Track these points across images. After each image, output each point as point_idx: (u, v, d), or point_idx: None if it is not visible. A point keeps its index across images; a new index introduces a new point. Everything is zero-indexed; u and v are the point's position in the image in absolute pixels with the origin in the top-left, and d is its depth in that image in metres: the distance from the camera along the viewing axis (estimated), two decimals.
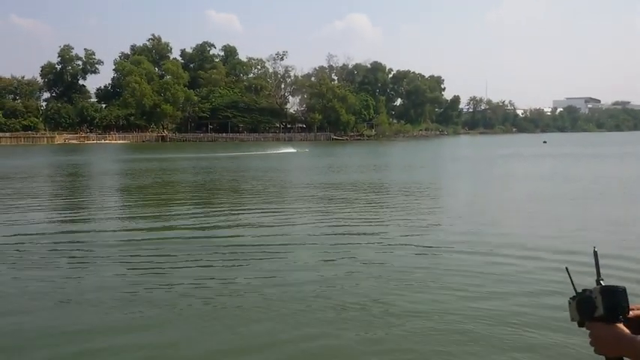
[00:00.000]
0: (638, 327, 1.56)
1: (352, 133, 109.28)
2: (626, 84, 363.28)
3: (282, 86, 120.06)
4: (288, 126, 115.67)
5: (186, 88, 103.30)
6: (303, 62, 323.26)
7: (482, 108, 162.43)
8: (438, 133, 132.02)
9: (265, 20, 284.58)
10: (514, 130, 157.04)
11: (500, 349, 6.12)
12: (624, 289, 1.58)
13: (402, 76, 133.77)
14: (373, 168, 36.66)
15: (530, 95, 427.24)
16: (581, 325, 1.64)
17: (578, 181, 25.69)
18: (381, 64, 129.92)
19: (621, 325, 1.55)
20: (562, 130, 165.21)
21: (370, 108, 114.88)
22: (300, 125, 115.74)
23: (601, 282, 1.62)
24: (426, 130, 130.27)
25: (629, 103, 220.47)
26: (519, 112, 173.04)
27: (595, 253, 1.70)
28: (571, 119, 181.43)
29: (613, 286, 1.58)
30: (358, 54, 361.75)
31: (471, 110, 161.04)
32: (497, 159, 45.53)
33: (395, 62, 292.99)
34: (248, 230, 13.64)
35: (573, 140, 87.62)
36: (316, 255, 10.75)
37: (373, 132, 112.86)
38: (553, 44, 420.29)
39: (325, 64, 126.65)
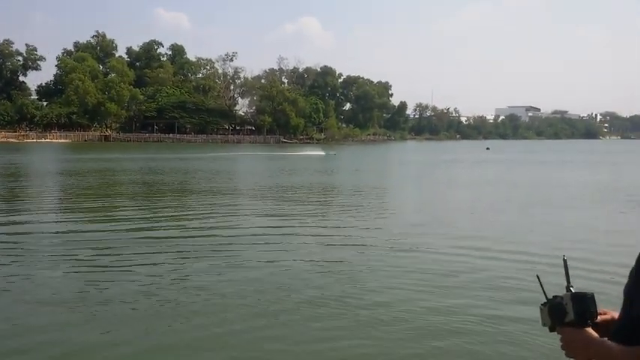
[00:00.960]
0: (606, 331, 1.64)
1: (302, 137, 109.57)
2: (565, 93, 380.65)
3: (232, 87, 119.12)
4: (237, 128, 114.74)
5: (131, 86, 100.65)
6: (253, 64, 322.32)
7: (428, 114, 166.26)
8: (385, 138, 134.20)
9: (215, 20, 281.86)
10: (458, 136, 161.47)
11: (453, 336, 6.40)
12: (592, 295, 1.66)
13: (352, 81, 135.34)
14: (331, 171, 36.94)
15: (473, 103, 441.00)
16: (552, 329, 1.72)
17: (521, 187, 26.77)
18: (331, 68, 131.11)
19: (590, 330, 1.63)
20: (504, 137, 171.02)
21: (320, 112, 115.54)
22: (250, 127, 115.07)
23: (571, 289, 1.70)
24: (374, 134, 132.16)
25: (567, 112, 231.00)
26: (463, 119, 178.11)
27: (564, 262, 1.77)
28: (512, 127, 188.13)
29: (582, 293, 1.66)
30: (309, 57, 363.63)
31: (417, 116, 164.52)
32: (443, 164, 46.75)
33: (345, 67, 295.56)
34: (199, 230, 13.54)
35: (515, 147, 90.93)
36: (270, 252, 10.86)
37: (322, 136, 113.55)
38: (496, 54, 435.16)
39: (276, 67, 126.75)
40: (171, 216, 16.27)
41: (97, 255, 10.50)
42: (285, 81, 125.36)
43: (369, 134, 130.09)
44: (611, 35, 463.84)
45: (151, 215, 16.27)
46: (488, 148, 74.54)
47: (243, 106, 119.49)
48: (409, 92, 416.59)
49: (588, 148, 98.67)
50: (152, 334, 6.49)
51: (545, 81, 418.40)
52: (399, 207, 19.39)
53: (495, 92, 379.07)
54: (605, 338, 1.60)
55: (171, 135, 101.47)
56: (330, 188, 25.33)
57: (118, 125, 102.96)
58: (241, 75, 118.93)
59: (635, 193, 23.67)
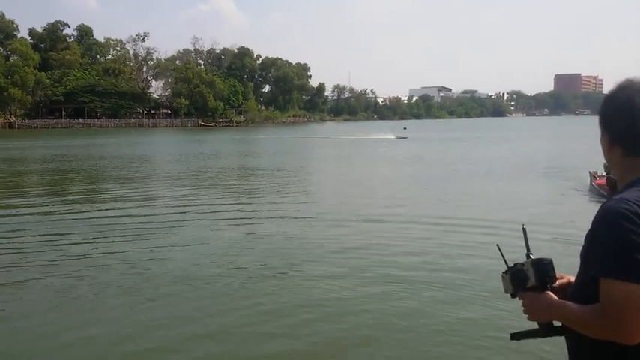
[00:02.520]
0: (564, 293, 1.75)
1: (221, 120, 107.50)
2: (474, 74, 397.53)
3: (145, 69, 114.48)
4: (152, 111, 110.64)
5: (36, 70, 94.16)
6: (166, 45, 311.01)
7: (346, 96, 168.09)
8: (305, 119, 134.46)
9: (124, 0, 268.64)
10: (375, 117, 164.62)
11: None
12: (551, 260, 1.76)
13: (270, 62, 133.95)
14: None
15: (389, 84, 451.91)
16: (514, 295, 1.82)
17: (445, 163, 27.81)
18: (248, 49, 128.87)
19: (550, 293, 1.73)
20: (418, 117, 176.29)
21: (239, 94, 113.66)
22: (165, 111, 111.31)
23: (531, 255, 1.79)
24: (294, 116, 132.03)
25: (476, 91, 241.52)
26: (380, 100, 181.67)
27: (524, 230, 1.87)
28: (426, 107, 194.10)
29: (541, 258, 1.75)
30: (225, 39, 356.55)
31: (335, 98, 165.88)
32: (366, 143, 47.59)
33: (263, 49, 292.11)
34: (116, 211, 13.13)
35: (429, 126, 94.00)
36: (200, 234, 10.94)
37: (242, 118, 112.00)
38: (410, 37, 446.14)
39: (191, 48, 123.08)
40: (86, 201, 15.60)
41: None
42: (202, 62, 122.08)
43: (289, 116, 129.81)
44: (513, 19, 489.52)
45: (61, 201, 15.49)
46: (405, 128, 76.52)
47: (157, 89, 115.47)
48: (327, 74, 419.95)
49: (498, 125, 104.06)
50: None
51: (455, 62, 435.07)
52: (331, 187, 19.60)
53: (409, 74, 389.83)
54: (565, 301, 1.68)
55: (81, 120, 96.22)
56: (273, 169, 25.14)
57: (22, 111, 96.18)
58: (154, 56, 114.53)
59: (549, 165, 25.33)
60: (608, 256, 1.52)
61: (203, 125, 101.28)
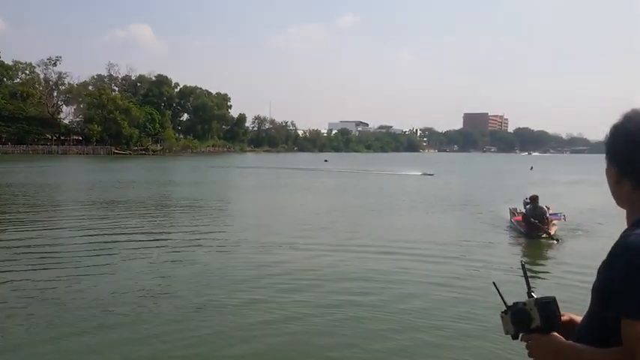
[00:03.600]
0: (567, 333, 1.64)
1: (136, 148, 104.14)
2: (389, 109, 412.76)
3: (55, 94, 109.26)
4: (62, 138, 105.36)
5: None
6: (80, 70, 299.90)
7: (267, 127, 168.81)
8: (225, 149, 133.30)
9: (36, 21, 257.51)
10: (295, 148, 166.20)
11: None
12: (555, 299, 1.67)
13: (189, 91, 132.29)
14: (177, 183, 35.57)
15: (308, 117, 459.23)
16: (515, 337, 1.71)
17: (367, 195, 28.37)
18: (166, 77, 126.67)
19: (557, 334, 1.62)
20: (337, 150, 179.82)
21: (156, 122, 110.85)
22: (77, 137, 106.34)
23: (532, 294, 1.70)
24: (213, 146, 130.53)
25: (391, 127, 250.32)
26: (300, 132, 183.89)
27: (523, 267, 1.80)
28: (344, 140, 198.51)
29: (546, 297, 1.67)
30: (142, 66, 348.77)
31: (256, 129, 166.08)
32: (285, 173, 47.78)
33: (181, 77, 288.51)
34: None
35: (349, 160, 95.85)
36: (117, 260, 10.67)
37: (159, 147, 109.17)
38: (329, 72, 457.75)
39: (105, 74, 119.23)
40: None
41: None
42: (116, 89, 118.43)
43: (208, 146, 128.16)
44: (422, 58, 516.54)
45: None
46: (326, 160, 77.72)
47: (68, 115, 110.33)
48: (248, 104, 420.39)
49: (414, 158, 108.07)
50: None
51: (372, 98, 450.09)
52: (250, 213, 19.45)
53: (329, 108, 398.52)
54: (577, 343, 1.57)
55: None
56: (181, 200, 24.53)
57: None
58: (66, 81, 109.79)
59: (469, 199, 26.49)
60: (634, 296, 1.39)
61: (117, 153, 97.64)
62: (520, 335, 1.69)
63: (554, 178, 48.17)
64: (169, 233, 14.95)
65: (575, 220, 17.72)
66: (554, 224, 15.34)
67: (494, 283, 1.89)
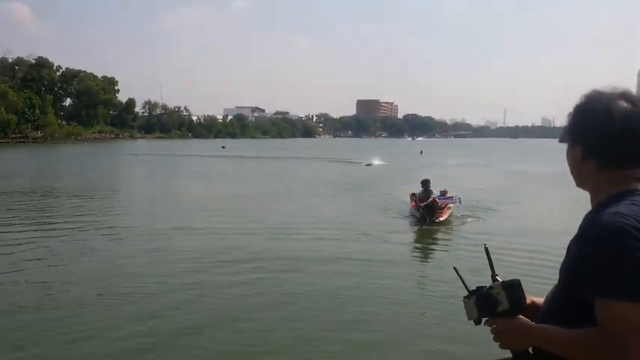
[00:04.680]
0: (531, 315, 1.63)
1: (14, 135, 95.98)
2: (285, 95, 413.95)
3: None
4: None
5: None
6: None
7: (159, 112, 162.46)
8: (113, 136, 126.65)
9: None
10: (189, 135, 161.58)
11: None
12: (519, 281, 1.63)
13: (72, 75, 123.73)
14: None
15: (203, 103, 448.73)
16: (478, 322, 1.67)
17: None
18: (47, 60, 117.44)
19: (523, 317, 1.60)
20: (233, 136, 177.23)
21: (36, 107, 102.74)
22: None
23: (497, 277, 1.65)
24: (100, 132, 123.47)
25: (288, 113, 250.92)
26: (194, 118, 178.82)
27: (486, 250, 1.74)
28: (240, 126, 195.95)
29: (512, 280, 1.62)
30: (20, 47, 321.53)
31: (146, 114, 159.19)
32: (180, 159, 46.47)
33: (65, 61, 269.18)
34: None
35: (248, 146, 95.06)
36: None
37: (40, 134, 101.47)
38: (222, 54, 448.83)
39: None
40: None
41: None
42: None
43: (94, 132, 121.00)
44: (316, 45, 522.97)
45: None
46: (223, 147, 76.44)
47: None
48: (137, 89, 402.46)
49: (312, 144, 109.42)
50: None
51: (267, 84, 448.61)
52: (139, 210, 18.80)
53: (223, 93, 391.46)
54: (546, 325, 1.56)
55: None
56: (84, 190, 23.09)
57: None
58: None
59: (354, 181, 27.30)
60: (610, 275, 1.38)
61: None
62: (483, 320, 1.65)
63: (443, 161, 50.99)
64: (58, 224, 14.10)
65: (470, 202, 18.40)
66: (449, 207, 15.58)
67: (454, 268, 1.86)
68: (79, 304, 7.59)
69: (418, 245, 13.06)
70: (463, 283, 1.74)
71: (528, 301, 1.67)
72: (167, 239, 12.11)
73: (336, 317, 7.24)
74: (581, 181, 1.66)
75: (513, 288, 1.60)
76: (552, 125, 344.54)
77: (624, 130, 1.51)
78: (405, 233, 14.51)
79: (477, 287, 1.66)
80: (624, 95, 1.56)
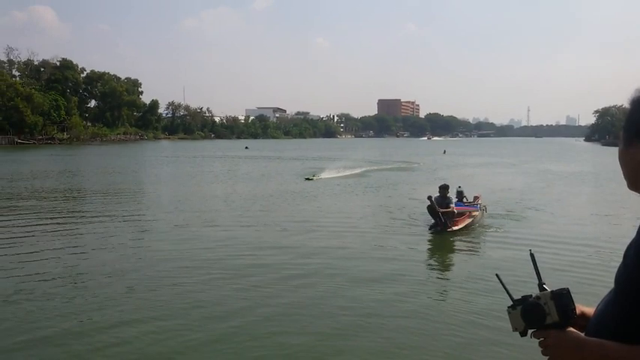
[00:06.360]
0: (580, 326, 1.49)
1: (41, 137, 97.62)
2: (306, 96, 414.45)
3: None
4: None
5: None
6: None
7: (182, 114, 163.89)
8: (138, 137, 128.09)
9: None
10: (212, 135, 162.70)
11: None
12: (569, 290, 1.51)
13: (97, 77, 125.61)
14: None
15: (225, 104, 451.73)
16: (524, 334, 1.55)
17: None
18: (71, 62, 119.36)
19: (574, 330, 1.47)
20: (255, 136, 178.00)
21: (61, 109, 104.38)
22: None
23: (544, 286, 1.53)
24: (125, 134, 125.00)
25: (309, 113, 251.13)
26: (217, 119, 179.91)
27: (532, 256, 1.61)
28: (262, 127, 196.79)
29: (561, 289, 1.50)
30: (45, 50, 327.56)
31: (170, 115, 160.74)
32: (205, 160, 46.61)
33: (88, 62, 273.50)
34: None
35: (270, 146, 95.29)
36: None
37: (66, 135, 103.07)
38: (245, 57, 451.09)
39: (4, 58, 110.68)
40: None
41: None
42: (17, 74, 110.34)
43: (119, 133, 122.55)
44: (338, 45, 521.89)
45: None
46: (247, 147, 76.65)
47: None
48: (160, 90, 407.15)
49: (336, 145, 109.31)
50: None
51: (288, 85, 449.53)
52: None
53: (245, 94, 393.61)
54: (603, 340, 1.39)
55: None
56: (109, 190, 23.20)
57: None
58: None
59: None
60: None
61: (21, 143, 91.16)
62: (530, 332, 1.53)
63: (467, 160, 50.29)
64: (90, 223, 14.11)
65: (499, 204, 17.49)
66: (471, 214, 13.97)
67: (497, 275, 1.71)
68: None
69: (433, 252, 11.88)
70: (507, 291, 1.63)
71: (578, 311, 1.53)
72: (196, 233, 12.35)
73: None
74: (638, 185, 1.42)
75: (563, 298, 1.48)
76: (577, 124, 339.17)
77: None
78: (419, 236, 13.26)
79: (523, 297, 1.55)
80: None
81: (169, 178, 30.79)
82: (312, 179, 27.86)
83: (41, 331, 6.47)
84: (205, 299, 7.77)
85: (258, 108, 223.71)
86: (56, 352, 5.96)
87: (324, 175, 30.22)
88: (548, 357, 1.48)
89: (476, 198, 15.70)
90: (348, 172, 32.29)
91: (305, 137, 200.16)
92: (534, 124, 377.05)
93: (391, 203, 19.00)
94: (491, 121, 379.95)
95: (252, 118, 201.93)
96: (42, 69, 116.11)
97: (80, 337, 6.34)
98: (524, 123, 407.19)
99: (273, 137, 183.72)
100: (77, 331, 6.53)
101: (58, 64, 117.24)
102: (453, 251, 11.80)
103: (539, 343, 1.50)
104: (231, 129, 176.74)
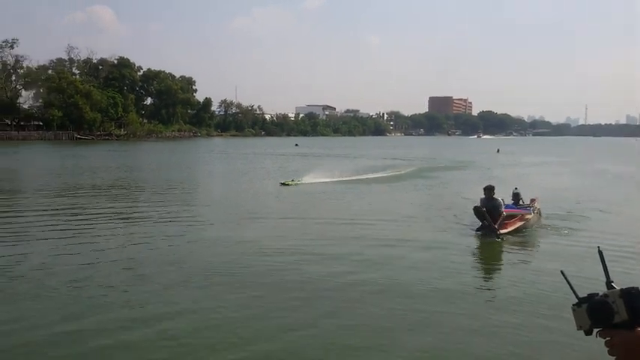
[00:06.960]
0: None
1: (99, 133, 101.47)
2: (356, 93, 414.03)
3: (14, 78, 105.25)
4: (22, 123, 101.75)
5: None
6: (38, 54, 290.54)
7: (234, 111, 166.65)
8: (191, 134, 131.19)
9: None
10: (263, 133, 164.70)
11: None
12: (638, 289, 1.45)
13: (153, 75, 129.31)
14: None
15: (275, 101, 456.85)
16: (589, 333, 1.50)
17: None
18: (128, 60, 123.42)
19: None
20: (305, 134, 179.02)
21: (118, 106, 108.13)
22: (37, 123, 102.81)
23: (613, 285, 1.49)
24: (179, 131, 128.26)
25: (358, 111, 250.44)
26: (267, 116, 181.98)
27: (600, 253, 1.58)
28: (312, 124, 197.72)
29: (631, 288, 1.45)
30: (103, 49, 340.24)
31: (222, 113, 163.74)
32: (257, 157, 47.29)
33: (144, 61, 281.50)
34: None
35: (320, 144, 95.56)
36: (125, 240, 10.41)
37: (123, 132, 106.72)
38: (295, 55, 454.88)
39: (65, 57, 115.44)
40: None
41: None
42: (77, 72, 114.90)
43: (173, 130, 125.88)
44: (388, 42, 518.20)
45: None
46: (297, 145, 77.33)
47: (28, 99, 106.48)
48: (213, 89, 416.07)
49: (389, 142, 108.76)
50: None
51: (338, 82, 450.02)
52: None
53: (295, 92, 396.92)
54: None
55: None
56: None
57: None
58: (24, 64, 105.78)
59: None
60: None
61: (80, 138, 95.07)
62: (596, 331, 1.49)
63: (521, 159, 49.01)
64: (149, 213, 14.62)
65: (556, 207, 16.47)
66: (524, 218, 13.20)
67: (562, 272, 1.66)
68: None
69: (482, 254, 11.51)
70: (572, 289, 1.58)
71: None
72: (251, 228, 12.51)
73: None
74: None
75: (632, 296, 1.43)
76: (637, 123, 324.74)
77: None
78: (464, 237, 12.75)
79: (589, 295, 1.52)
80: None
81: (223, 174, 31.43)
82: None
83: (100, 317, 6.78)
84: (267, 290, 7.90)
85: (308, 105, 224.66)
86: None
87: (370, 175, 29.44)
88: (615, 357, 1.44)
89: (532, 201, 14.97)
90: (395, 173, 31.79)
91: (354, 135, 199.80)
92: (592, 123, 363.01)
93: (444, 203, 18.92)
94: (547, 120, 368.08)
95: (301, 115, 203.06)
96: (100, 67, 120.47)
97: (142, 325, 6.61)
98: (581, 122, 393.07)
99: (323, 135, 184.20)
100: (137, 317, 6.81)
101: (115, 62, 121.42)
102: (501, 253, 11.42)
103: (606, 342, 1.45)
104: (281, 126, 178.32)
